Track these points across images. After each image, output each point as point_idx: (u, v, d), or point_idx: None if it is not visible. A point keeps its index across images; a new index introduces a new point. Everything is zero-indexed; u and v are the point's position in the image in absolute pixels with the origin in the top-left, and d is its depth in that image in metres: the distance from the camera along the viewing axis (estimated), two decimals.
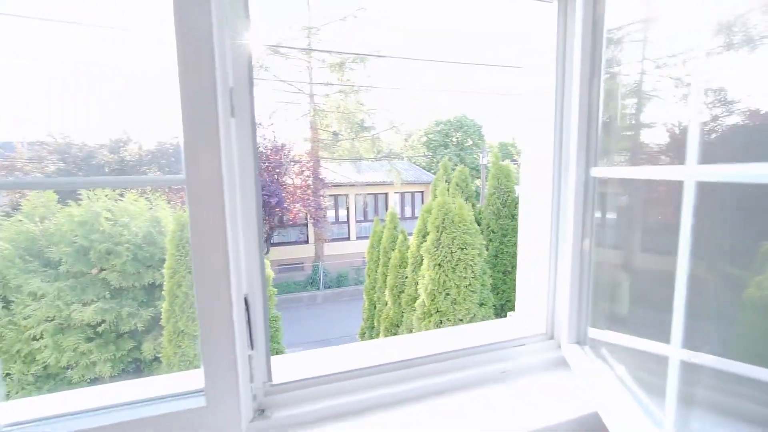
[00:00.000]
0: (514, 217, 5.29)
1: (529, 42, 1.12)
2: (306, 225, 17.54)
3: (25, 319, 4.11)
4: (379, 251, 6.13)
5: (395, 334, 5.11)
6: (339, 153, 15.61)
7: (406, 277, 4.89)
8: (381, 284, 5.72)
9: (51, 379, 4.23)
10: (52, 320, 4.12)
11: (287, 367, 0.93)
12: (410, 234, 6.13)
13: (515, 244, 5.40)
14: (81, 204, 4.67)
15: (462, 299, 3.73)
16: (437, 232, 3.85)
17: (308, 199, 13.99)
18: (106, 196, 5.06)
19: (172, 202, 12.21)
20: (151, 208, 5.12)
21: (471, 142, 30.59)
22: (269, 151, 13.64)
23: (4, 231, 4.39)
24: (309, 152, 15.22)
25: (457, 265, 3.74)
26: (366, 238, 18.81)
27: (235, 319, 0.72)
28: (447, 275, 3.73)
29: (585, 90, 0.90)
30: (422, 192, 20.38)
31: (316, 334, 11.43)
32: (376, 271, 6.17)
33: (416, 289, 4.38)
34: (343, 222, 18.78)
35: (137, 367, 4.69)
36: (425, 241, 4.22)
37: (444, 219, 3.83)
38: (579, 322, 0.96)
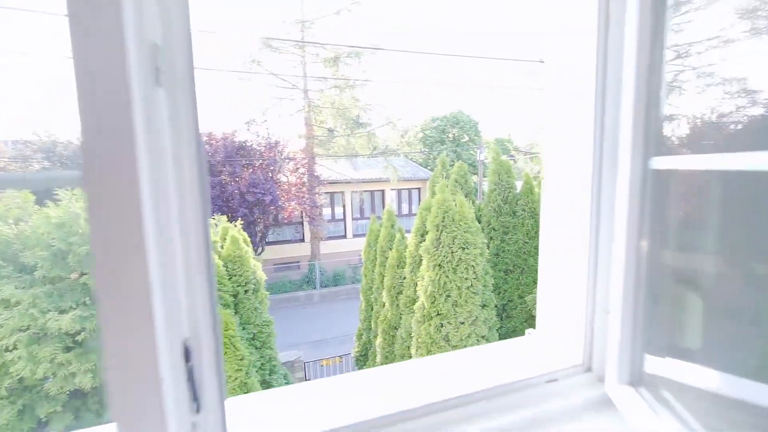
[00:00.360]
0: (515, 213, 5.10)
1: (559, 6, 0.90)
2: (301, 223, 17.29)
3: None
4: (375, 250, 5.92)
5: (393, 336, 4.92)
6: (334, 150, 15.36)
7: (404, 278, 4.69)
8: (378, 284, 5.51)
9: (27, 391, 4.00)
10: (27, 329, 3.88)
11: (256, 421, 0.71)
12: (408, 232, 5.95)
13: (517, 241, 5.21)
14: (59, 205, 4.41)
15: (463, 301, 3.53)
16: (437, 230, 3.64)
17: (303, 197, 13.75)
18: None
19: None
20: None
21: (467, 138, 30.46)
22: (263, 148, 13.36)
23: None
24: (304, 149, 14.95)
25: (458, 265, 3.54)
26: (363, 235, 18.59)
27: (164, 376, 0.50)
28: (447, 276, 3.53)
29: (643, 60, 0.69)
30: (419, 189, 20.18)
31: (314, 334, 11.23)
32: (373, 271, 5.96)
33: (415, 291, 4.18)
34: (339, 220, 18.55)
35: None
36: (424, 240, 4.02)
37: (444, 217, 3.62)
38: (633, 354, 0.76)
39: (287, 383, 5.31)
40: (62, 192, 4.38)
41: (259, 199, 12.01)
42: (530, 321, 4.85)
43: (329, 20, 12.88)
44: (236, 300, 4.24)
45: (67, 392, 4.13)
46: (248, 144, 13.30)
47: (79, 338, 4.09)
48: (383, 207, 19.27)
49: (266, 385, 4.47)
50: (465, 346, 3.43)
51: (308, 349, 10.17)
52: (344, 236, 18.46)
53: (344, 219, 18.51)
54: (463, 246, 3.55)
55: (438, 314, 3.61)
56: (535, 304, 1.28)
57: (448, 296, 3.57)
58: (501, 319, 4.71)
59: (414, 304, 4.16)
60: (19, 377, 3.87)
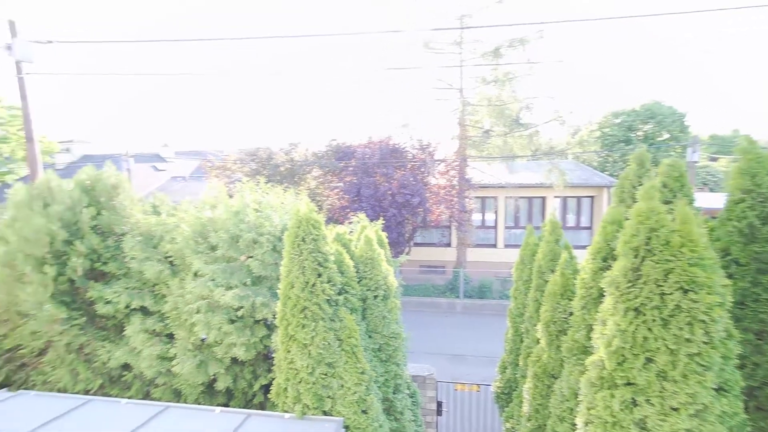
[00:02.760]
0: None
1: None
2: (449, 227, 16.77)
3: (188, 294, 4.61)
4: (531, 269, 4.78)
5: (549, 387, 3.75)
6: (488, 151, 14.20)
7: (571, 314, 3.47)
8: (532, 313, 4.38)
9: (204, 350, 4.68)
10: (205, 299, 4.52)
11: None
12: (578, 249, 4.53)
13: None
14: (237, 195, 5.09)
15: (681, 375, 2.21)
16: (635, 256, 2.41)
17: (452, 201, 13.16)
18: (257, 187, 5.45)
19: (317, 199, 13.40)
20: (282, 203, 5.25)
21: (667, 135, 23.95)
22: (415, 151, 13.45)
23: (189, 216, 5.07)
24: (456, 151, 14.37)
25: (673, 315, 2.23)
26: (516, 246, 16.69)
27: None
28: (651, 330, 2.27)
29: None
30: (592, 197, 16.81)
31: (451, 346, 10.51)
32: (526, 295, 4.83)
33: (588, 337, 2.97)
34: (490, 227, 17.19)
35: (266, 356, 4.81)
36: (609, 267, 2.79)
37: (650, 237, 2.36)
38: None
39: (414, 404, 4.77)
40: (239, 183, 5.07)
41: (408, 200, 12.06)
42: None
43: (491, 10, 11.87)
44: (365, 305, 3.95)
45: (229, 358, 4.66)
46: (401, 146, 13.61)
47: (239, 314, 4.56)
48: (543, 216, 16.83)
49: (388, 403, 4.04)
50: None
51: (444, 362, 9.51)
52: (494, 245, 17.00)
53: (495, 227, 17.04)
54: (686, 286, 2.22)
55: (628, 383, 2.38)
56: None
57: (650, 361, 2.31)
58: (750, 414, 2.94)
59: (585, 354, 2.98)
60: (200, 338, 4.60)
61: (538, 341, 4.22)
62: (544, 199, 16.84)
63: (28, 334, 4.63)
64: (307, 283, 3.23)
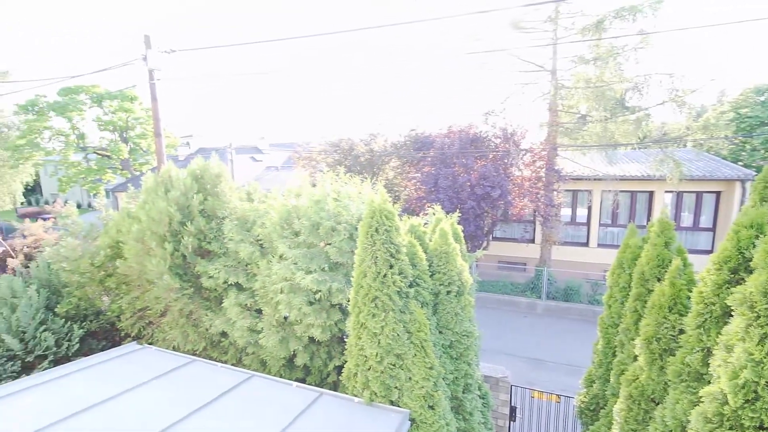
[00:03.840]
0: None
1: None
2: (533, 222, 15.60)
3: (274, 274, 5.03)
4: (630, 275, 4.18)
5: (647, 412, 3.24)
6: (584, 139, 12.71)
7: (681, 332, 2.94)
8: (629, 326, 3.83)
9: (286, 327, 5.08)
10: (288, 281, 4.89)
11: None
12: (694, 253, 3.79)
13: None
14: (318, 185, 5.37)
15: None
16: None
17: (538, 193, 12.15)
18: (337, 177, 5.67)
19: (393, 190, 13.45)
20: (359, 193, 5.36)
21: None
22: (498, 140, 12.67)
23: (277, 204, 5.52)
24: (544, 140, 13.18)
25: None
26: (611, 246, 14.88)
27: None
28: None
29: None
30: (717, 193, 14.09)
31: (529, 350, 9.84)
32: (623, 304, 4.24)
33: (706, 364, 2.48)
34: (582, 223, 15.54)
35: (340, 338, 5.04)
36: (740, 281, 2.28)
37: None
38: None
39: (485, 406, 4.58)
40: (319, 174, 5.33)
41: (488, 192, 11.47)
42: None
43: None
44: (436, 300, 3.86)
45: (307, 337, 5.00)
46: (483, 135, 12.94)
47: (317, 296, 4.84)
48: (648, 214, 14.60)
49: (457, 402, 3.93)
50: None
51: (521, 365, 8.96)
52: (585, 244, 15.35)
53: (588, 223, 15.34)
54: None
55: (761, 428, 1.93)
56: None
57: None
58: None
59: (699, 382, 2.51)
60: (283, 316, 5.03)
61: (635, 358, 3.68)
62: (651, 194, 14.58)
63: (153, 298, 5.55)
64: (379, 273, 3.26)
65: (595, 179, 13.97)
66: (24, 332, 5.24)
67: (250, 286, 5.25)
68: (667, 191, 14.04)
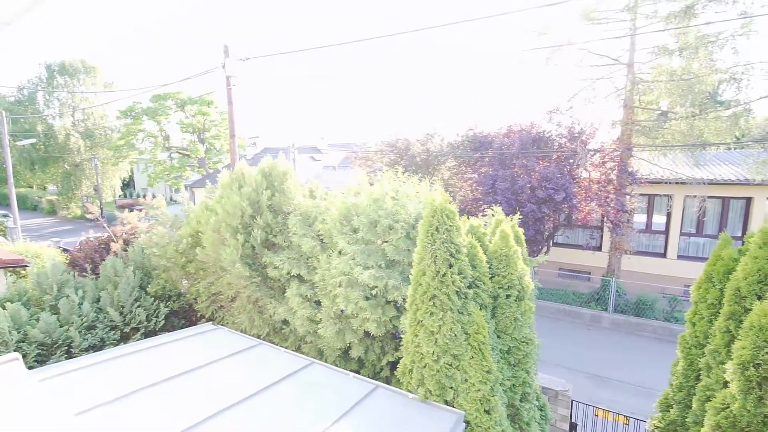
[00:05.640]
0: None
1: None
2: (600, 228, 14.45)
3: (333, 269, 5.25)
4: (722, 290, 3.72)
5: None
6: (664, 138, 11.48)
7: None
8: (719, 347, 3.42)
9: (343, 320, 5.28)
10: (347, 275, 5.08)
11: None
12: None
13: None
14: (377, 183, 5.50)
15: None
16: None
17: (607, 197, 11.21)
18: (395, 176, 5.76)
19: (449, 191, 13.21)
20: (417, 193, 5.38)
21: None
22: (564, 140, 11.90)
23: (337, 201, 5.76)
24: (617, 139, 12.13)
25: None
26: (694, 259, 13.27)
27: None
28: None
29: None
30: None
31: (593, 365, 9.15)
32: (710, 323, 3.78)
33: None
34: (659, 232, 14.07)
35: (394, 335, 5.11)
36: None
37: None
38: None
39: (543, 418, 4.37)
40: (382, 174, 5.46)
41: (550, 195, 10.85)
42: None
43: None
44: (495, 303, 3.77)
45: (363, 331, 5.15)
46: (546, 135, 12.25)
47: (373, 292, 4.96)
48: (744, 224, 12.75)
49: (513, 410, 3.79)
50: None
51: (582, 381, 8.36)
52: (663, 255, 13.87)
53: (666, 232, 13.84)
54: None
55: None
56: None
57: None
58: None
59: None
60: (340, 309, 5.24)
61: (725, 384, 3.28)
62: (748, 200, 12.76)
63: (226, 284, 6.09)
64: (438, 272, 3.26)
65: (677, 183, 12.56)
66: (123, 306, 6.06)
67: (311, 279, 5.53)
68: None
